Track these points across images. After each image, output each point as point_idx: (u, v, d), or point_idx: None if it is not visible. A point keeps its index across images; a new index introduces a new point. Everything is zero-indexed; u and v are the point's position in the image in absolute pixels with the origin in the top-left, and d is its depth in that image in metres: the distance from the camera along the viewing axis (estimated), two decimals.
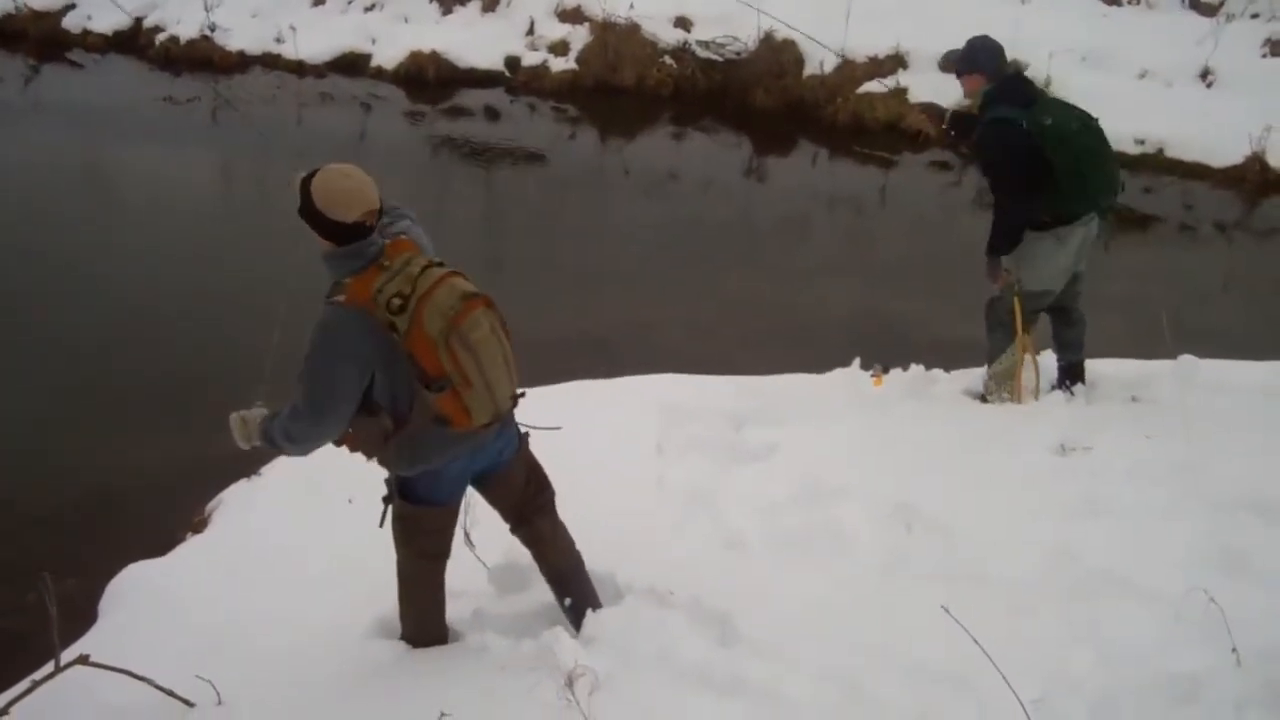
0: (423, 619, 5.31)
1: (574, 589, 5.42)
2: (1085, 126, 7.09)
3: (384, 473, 4.89)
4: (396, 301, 4.38)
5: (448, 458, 4.78)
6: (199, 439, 7.90)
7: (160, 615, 6.03)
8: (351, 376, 4.48)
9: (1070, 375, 7.82)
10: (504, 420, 4.80)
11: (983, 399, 7.80)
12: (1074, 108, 7.26)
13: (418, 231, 4.87)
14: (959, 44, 7.43)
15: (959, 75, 7.42)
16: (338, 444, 4.78)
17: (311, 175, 4.54)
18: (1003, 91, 7.18)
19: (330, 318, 4.47)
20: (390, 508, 4.97)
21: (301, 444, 4.74)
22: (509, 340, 4.67)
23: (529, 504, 5.25)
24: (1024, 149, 7.00)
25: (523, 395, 4.89)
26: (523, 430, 5.16)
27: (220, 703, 5.07)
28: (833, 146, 15.97)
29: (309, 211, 4.51)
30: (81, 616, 6.07)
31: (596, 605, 5.47)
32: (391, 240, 4.63)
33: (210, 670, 5.12)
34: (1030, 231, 7.29)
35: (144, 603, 6.20)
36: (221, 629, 5.79)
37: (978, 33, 7.35)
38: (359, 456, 4.82)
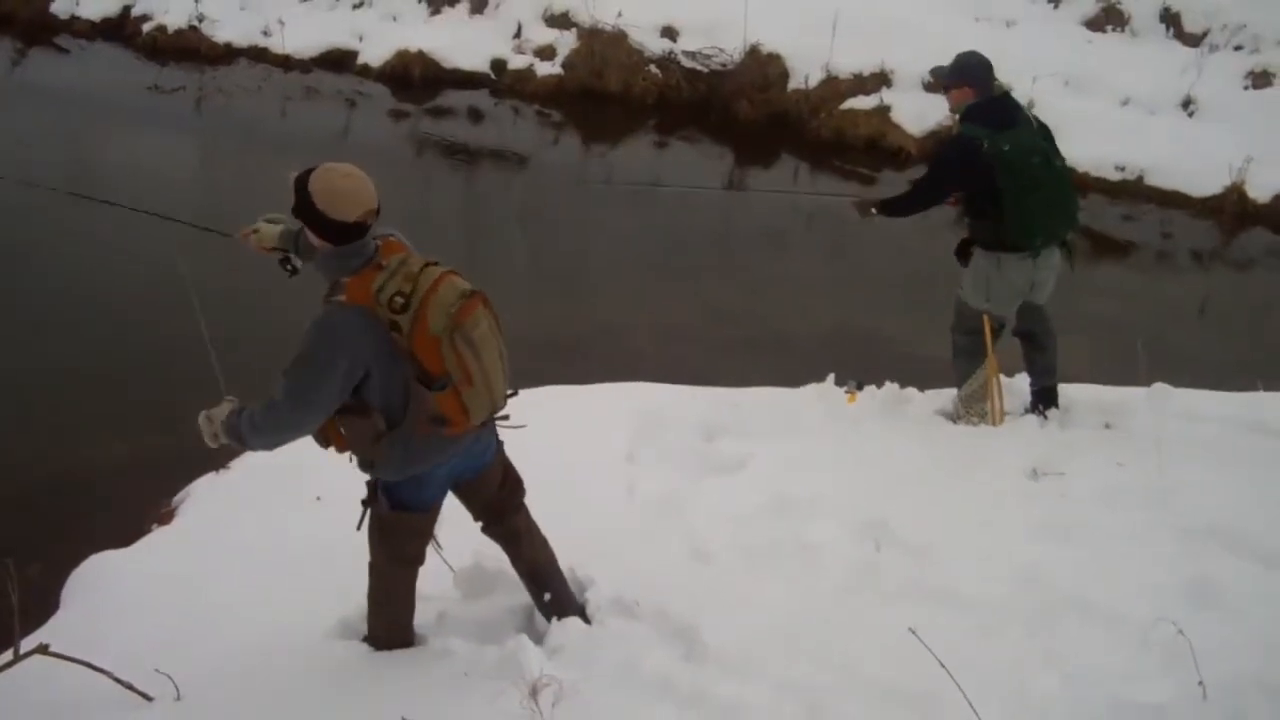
0: (391, 623, 5.29)
1: (552, 584, 5.46)
2: (1046, 162, 7.06)
3: (357, 474, 4.87)
4: (399, 300, 4.38)
5: (437, 462, 4.79)
6: (168, 429, 7.88)
7: (122, 607, 6.01)
8: (341, 373, 4.45)
9: (1043, 399, 7.82)
10: (498, 414, 4.80)
11: (955, 420, 7.80)
12: (1039, 141, 7.20)
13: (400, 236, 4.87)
14: (941, 63, 7.44)
15: (947, 90, 7.40)
16: (325, 445, 4.76)
17: (307, 174, 4.52)
18: (980, 110, 7.17)
19: (331, 315, 4.48)
20: (369, 511, 4.94)
21: (270, 436, 4.71)
22: (504, 337, 4.69)
23: (504, 503, 5.26)
24: (970, 168, 7.02)
25: (514, 394, 4.90)
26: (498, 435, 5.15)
27: (179, 698, 5.05)
28: (814, 161, 15.98)
29: (307, 212, 4.49)
30: (43, 605, 6.04)
31: (574, 601, 5.51)
32: (383, 240, 4.62)
33: (170, 665, 5.09)
34: (978, 248, 7.34)
35: (107, 593, 6.17)
36: (183, 623, 5.76)
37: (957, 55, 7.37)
38: (339, 457, 4.80)
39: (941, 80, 7.47)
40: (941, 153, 7.38)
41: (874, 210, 7.52)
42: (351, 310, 4.44)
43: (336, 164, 4.57)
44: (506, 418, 4.93)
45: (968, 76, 7.25)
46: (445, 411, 4.52)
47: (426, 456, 4.74)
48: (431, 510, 5.03)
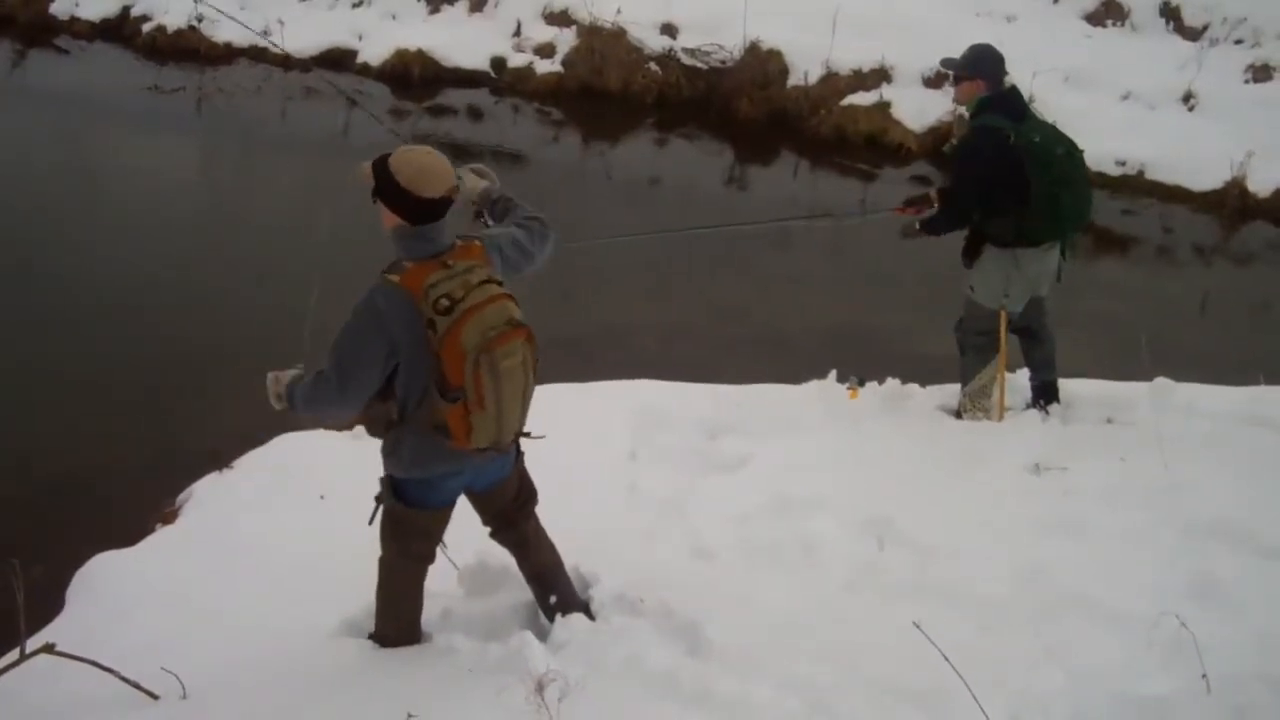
0: (399, 619, 5.30)
1: (558, 586, 5.46)
2: (1069, 153, 7.06)
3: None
4: (444, 302, 4.41)
5: (444, 471, 4.81)
6: (172, 428, 7.90)
7: (127, 606, 6.00)
8: (380, 353, 4.51)
9: (1044, 394, 7.81)
10: (502, 452, 4.80)
11: (958, 415, 7.80)
12: (1060, 132, 7.23)
13: (510, 236, 4.99)
14: (952, 56, 7.41)
15: (957, 81, 7.38)
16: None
17: (384, 157, 4.61)
18: (999, 101, 7.15)
19: (379, 291, 4.52)
20: (382, 505, 4.96)
21: (319, 410, 4.79)
22: (535, 377, 4.74)
23: (516, 512, 5.29)
24: (1002, 159, 6.97)
25: (528, 435, 4.92)
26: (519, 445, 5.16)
27: (185, 697, 5.04)
28: (814, 158, 15.97)
29: (391, 189, 4.55)
30: (49, 604, 6.04)
31: (579, 602, 5.51)
32: (465, 243, 4.66)
33: (176, 663, 5.09)
34: (991, 247, 7.30)
35: (112, 592, 6.17)
36: (189, 622, 5.76)
37: (964, 48, 7.33)
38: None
39: (953, 71, 7.45)
40: (968, 146, 7.26)
41: (918, 227, 7.49)
42: (397, 291, 4.47)
43: (410, 146, 4.70)
44: (529, 435, 4.94)
45: (981, 69, 7.22)
46: (450, 423, 4.52)
47: (433, 462, 4.76)
48: (441, 511, 5.05)
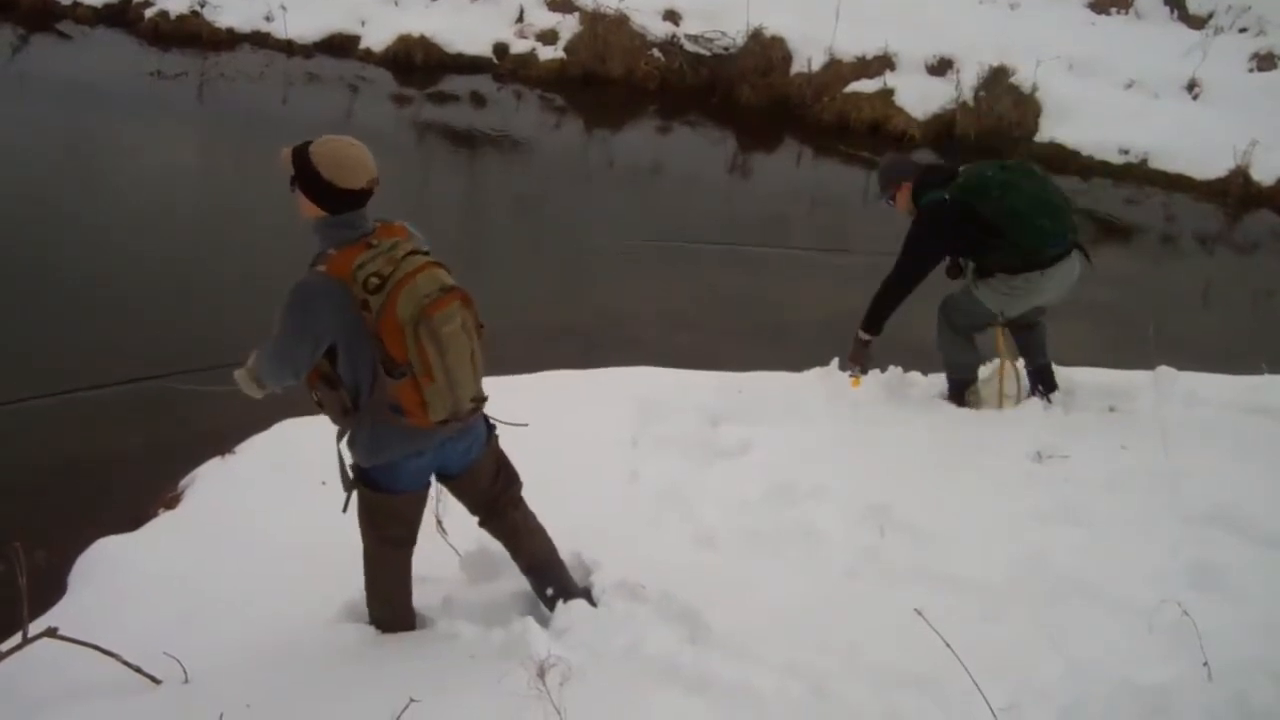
0: (389, 604, 5.30)
1: (553, 578, 5.43)
2: (1002, 169, 7.16)
3: (345, 456, 4.88)
4: (374, 280, 4.38)
5: (406, 452, 4.77)
6: (174, 414, 7.88)
7: (130, 590, 6.00)
8: (310, 340, 4.49)
9: (1042, 380, 7.80)
10: (462, 420, 4.76)
11: (960, 400, 7.79)
12: (1000, 167, 7.26)
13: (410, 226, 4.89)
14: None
15: (890, 200, 7.49)
16: (319, 406, 4.81)
17: (305, 145, 4.58)
18: (926, 180, 7.29)
19: (306, 283, 4.49)
20: (353, 493, 4.94)
21: (269, 380, 4.77)
22: (480, 340, 4.67)
23: (499, 498, 5.24)
24: (954, 218, 7.07)
25: (485, 400, 4.84)
26: (491, 423, 5.14)
27: (187, 681, 5.05)
28: (817, 145, 15.98)
29: (310, 179, 4.52)
30: (51, 589, 6.03)
31: (577, 590, 5.49)
32: (383, 223, 4.63)
33: (178, 648, 5.09)
34: (1002, 274, 7.29)
35: (114, 577, 6.16)
36: (191, 607, 5.76)
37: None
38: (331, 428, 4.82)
39: (884, 199, 7.55)
40: (919, 227, 7.26)
41: (863, 335, 7.65)
42: (325, 281, 4.44)
43: (334, 135, 4.64)
44: (485, 400, 4.89)
45: (897, 175, 7.43)
46: (402, 401, 4.50)
47: (393, 445, 4.72)
48: (412, 495, 5.02)
